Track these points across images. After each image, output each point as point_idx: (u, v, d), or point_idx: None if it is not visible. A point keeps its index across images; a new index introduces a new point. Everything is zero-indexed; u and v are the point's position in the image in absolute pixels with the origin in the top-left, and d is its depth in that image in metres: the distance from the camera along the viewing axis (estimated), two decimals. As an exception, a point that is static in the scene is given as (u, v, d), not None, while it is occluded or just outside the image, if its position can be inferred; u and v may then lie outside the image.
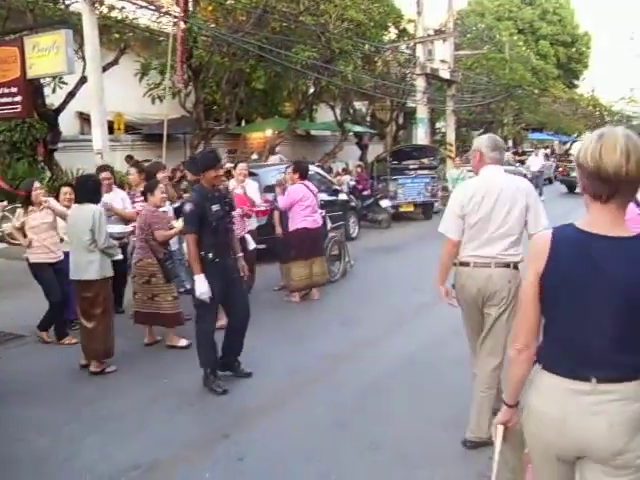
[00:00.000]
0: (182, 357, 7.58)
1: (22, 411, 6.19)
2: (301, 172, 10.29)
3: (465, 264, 5.09)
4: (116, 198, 9.12)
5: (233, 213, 7.37)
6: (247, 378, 6.85)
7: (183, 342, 7.87)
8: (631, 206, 3.47)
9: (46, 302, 8.09)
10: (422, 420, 5.82)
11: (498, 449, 3.01)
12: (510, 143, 42.37)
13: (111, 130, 16.91)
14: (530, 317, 2.75)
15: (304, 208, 10.00)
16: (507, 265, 4.99)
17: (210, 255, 6.54)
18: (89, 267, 7.03)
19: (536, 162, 29.95)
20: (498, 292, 4.99)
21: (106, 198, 8.37)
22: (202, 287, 6.43)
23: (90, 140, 13.19)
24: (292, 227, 10.02)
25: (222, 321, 7.39)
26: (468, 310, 5.27)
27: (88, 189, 7.26)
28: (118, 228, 8.49)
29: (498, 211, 4.95)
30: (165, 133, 13.76)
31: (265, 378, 6.82)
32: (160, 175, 9.01)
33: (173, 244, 9.07)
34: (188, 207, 6.60)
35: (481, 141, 5.27)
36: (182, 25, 14.64)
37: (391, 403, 6.24)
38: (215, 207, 6.59)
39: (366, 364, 7.38)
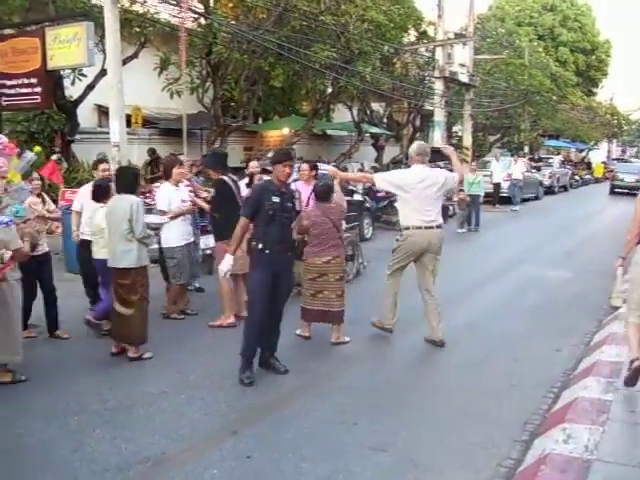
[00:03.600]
0: (195, 352, 7.62)
1: (32, 400, 6.23)
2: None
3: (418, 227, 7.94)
4: None
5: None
6: (283, 375, 6.91)
7: (347, 338, 8.05)
8: None
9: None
10: (430, 422, 5.83)
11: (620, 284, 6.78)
12: (526, 149, 42.17)
13: (129, 123, 16.90)
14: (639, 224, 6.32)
15: None
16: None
17: (260, 245, 6.67)
18: (126, 255, 7.20)
19: (515, 170, 26.67)
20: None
21: None
22: (225, 264, 6.73)
23: (108, 133, 13.20)
24: None
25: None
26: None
27: (126, 180, 7.43)
28: (155, 218, 8.51)
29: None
30: (185, 128, 13.79)
31: (275, 376, 6.83)
32: (176, 170, 9.01)
33: (184, 237, 9.04)
34: (248, 194, 7.10)
35: (412, 148, 8.48)
36: (189, 17, 14.59)
37: (400, 404, 6.24)
38: (275, 198, 6.68)
39: (377, 364, 7.40)
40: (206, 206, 9.27)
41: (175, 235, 8.81)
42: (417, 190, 7.91)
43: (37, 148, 6.63)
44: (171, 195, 8.85)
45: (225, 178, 8.80)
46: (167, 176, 9.06)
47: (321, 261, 7.91)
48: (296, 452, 5.22)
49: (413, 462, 5.08)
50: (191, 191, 9.73)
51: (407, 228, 8.05)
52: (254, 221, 6.75)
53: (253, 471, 4.97)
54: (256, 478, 4.89)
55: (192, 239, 9.31)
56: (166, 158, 11.16)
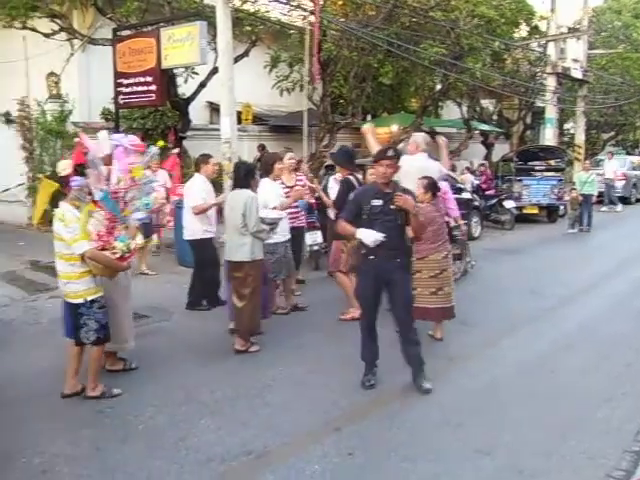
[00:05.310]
0: (300, 347, 7.71)
1: (142, 388, 6.44)
2: None
3: None
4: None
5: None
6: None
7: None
8: None
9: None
10: (536, 428, 5.70)
11: None
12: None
13: (239, 120, 17.16)
14: None
15: None
16: None
17: (363, 250, 6.38)
18: (241, 249, 7.40)
19: (607, 169, 24.98)
20: None
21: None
22: (368, 236, 6.20)
23: (218, 129, 13.44)
24: None
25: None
26: None
27: (240, 175, 7.63)
28: (272, 214, 8.61)
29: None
30: (306, 125, 13.91)
31: (379, 375, 6.75)
32: (277, 166, 9.05)
33: (284, 234, 9.07)
34: (350, 196, 6.98)
35: (419, 138, 8.78)
36: (313, 19, 14.75)
37: (506, 408, 6.13)
38: (376, 202, 6.27)
39: (482, 366, 7.28)
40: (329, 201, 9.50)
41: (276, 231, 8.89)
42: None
43: (160, 142, 6.85)
44: (275, 190, 8.93)
45: (351, 178, 8.83)
46: (267, 172, 9.06)
47: (441, 256, 7.90)
48: (398, 451, 5.21)
49: (517, 468, 4.98)
50: (295, 184, 9.84)
51: None
52: (354, 224, 6.40)
53: (354, 468, 4.98)
54: (357, 476, 4.90)
55: (290, 236, 9.33)
56: (267, 154, 11.28)
